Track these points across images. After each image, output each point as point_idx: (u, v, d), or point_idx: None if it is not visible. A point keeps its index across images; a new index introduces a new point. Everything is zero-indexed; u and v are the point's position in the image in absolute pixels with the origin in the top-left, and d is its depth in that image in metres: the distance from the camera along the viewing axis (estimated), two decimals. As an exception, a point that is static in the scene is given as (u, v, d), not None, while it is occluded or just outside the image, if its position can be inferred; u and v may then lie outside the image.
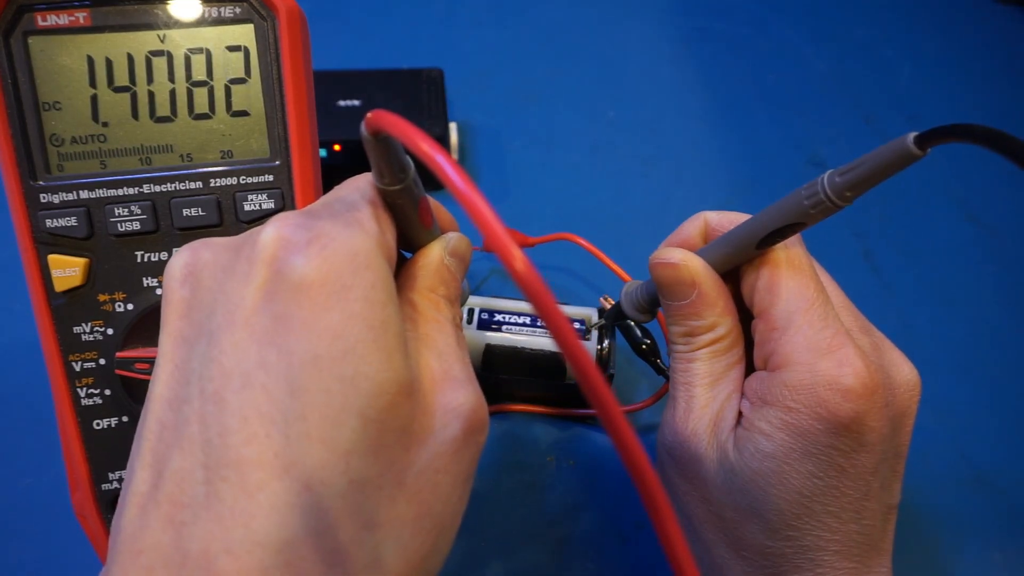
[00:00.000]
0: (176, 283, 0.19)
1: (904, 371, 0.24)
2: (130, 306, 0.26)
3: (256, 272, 0.18)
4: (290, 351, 0.17)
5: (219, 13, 0.25)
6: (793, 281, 0.24)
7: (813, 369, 0.23)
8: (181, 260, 0.20)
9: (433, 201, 0.24)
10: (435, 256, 0.23)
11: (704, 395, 0.26)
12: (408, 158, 0.20)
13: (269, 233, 0.18)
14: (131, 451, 0.19)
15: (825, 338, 0.23)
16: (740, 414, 0.25)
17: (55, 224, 0.25)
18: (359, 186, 0.21)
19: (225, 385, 0.17)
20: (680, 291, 0.26)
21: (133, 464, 0.18)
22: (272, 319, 0.17)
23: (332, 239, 0.18)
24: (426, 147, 0.16)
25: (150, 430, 0.18)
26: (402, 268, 0.23)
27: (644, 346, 0.36)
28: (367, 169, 0.21)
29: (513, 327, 0.37)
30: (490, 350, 0.36)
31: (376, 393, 0.17)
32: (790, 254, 0.25)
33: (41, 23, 0.24)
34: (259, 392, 0.17)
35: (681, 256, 0.26)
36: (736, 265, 0.26)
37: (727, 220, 0.27)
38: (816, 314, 0.24)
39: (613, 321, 0.36)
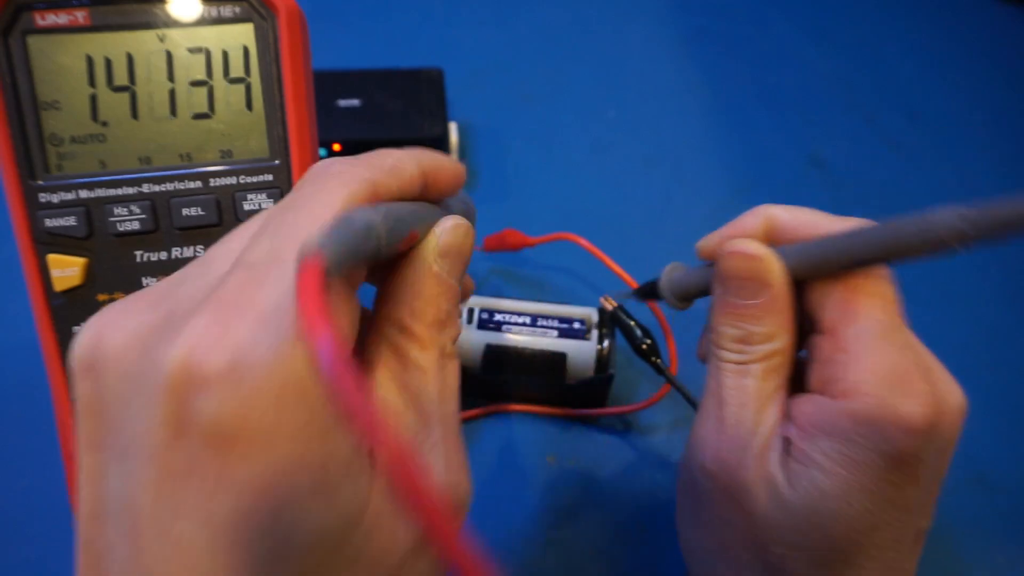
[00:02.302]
0: (79, 370, 0.16)
1: (956, 396, 0.22)
2: (129, 306, 0.26)
3: (159, 404, 0.14)
4: (209, 508, 0.14)
5: (219, 13, 0.25)
6: (873, 300, 0.22)
7: (884, 403, 0.21)
8: (84, 340, 0.16)
9: (425, 159, 0.20)
10: (423, 268, 0.19)
11: (752, 419, 0.23)
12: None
13: (173, 357, 0.14)
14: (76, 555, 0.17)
15: (900, 370, 0.21)
16: (787, 441, 0.23)
17: (54, 224, 0.25)
18: (303, 255, 0.15)
19: (141, 529, 0.15)
20: (751, 289, 0.23)
21: None
22: (186, 461, 0.14)
23: (251, 369, 0.14)
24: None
25: (83, 547, 0.16)
26: (384, 285, 0.20)
27: (644, 346, 0.36)
28: None
29: (513, 327, 0.37)
30: (490, 350, 0.36)
31: (316, 543, 0.15)
32: (872, 271, 0.23)
33: (40, 22, 0.24)
34: (175, 547, 0.14)
35: (765, 251, 0.23)
36: (814, 279, 0.24)
37: (799, 220, 0.24)
38: (893, 342, 0.22)
39: (644, 298, 0.33)
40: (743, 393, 0.24)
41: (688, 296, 0.29)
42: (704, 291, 0.27)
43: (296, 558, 0.15)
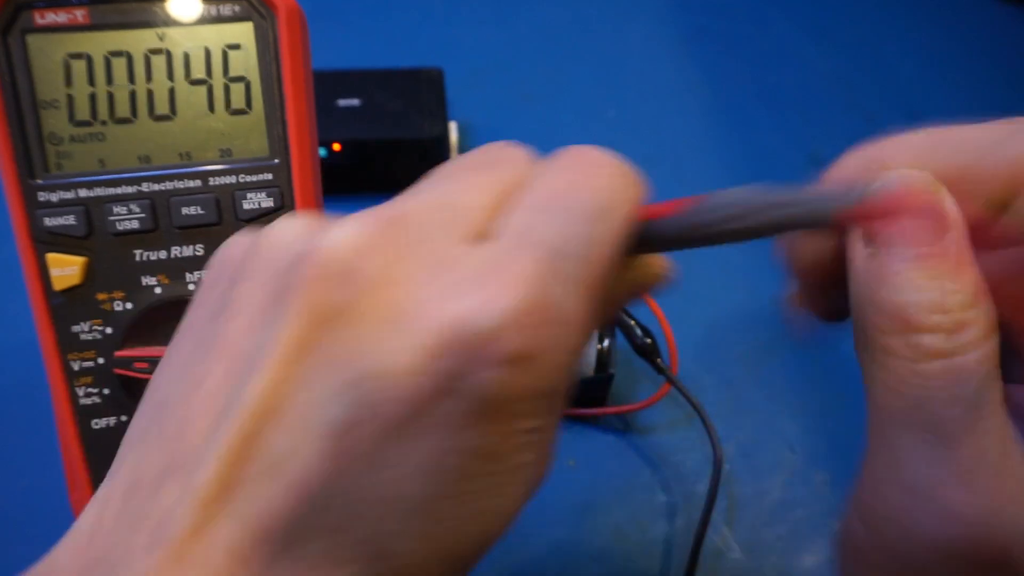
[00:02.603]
0: (330, 271, 0.14)
1: None
2: (129, 305, 0.26)
3: (434, 355, 0.14)
4: (438, 461, 0.14)
5: (218, 12, 0.25)
6: None
7: None
8: (345, 244, 0.15)
9: None
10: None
11: (994, 457, 0.15)
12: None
13: (477, 318, 0.14)
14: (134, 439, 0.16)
15: None
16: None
17: (54, 223, 0.25)
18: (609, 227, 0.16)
19: (348, 458, 0.14)
20: (933, 225, 0.16)
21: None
22: (437, 415, 0.14)
23: (548, 365, 0.14)
24: None
25: (238, 438, 0.14)
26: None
27: (644, 346, 0.36)
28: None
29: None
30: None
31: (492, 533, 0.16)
32: None
33: (39, 21, 0.24)
34: (387, 488, 0.14)
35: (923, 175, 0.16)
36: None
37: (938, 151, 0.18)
38: None
39: None
40: (967, 412, 0.15)
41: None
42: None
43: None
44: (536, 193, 0.16)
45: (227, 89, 0.26)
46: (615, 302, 0.18)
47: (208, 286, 0.17)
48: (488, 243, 0.15)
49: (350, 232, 0.15)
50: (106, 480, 0.16)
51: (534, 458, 0.16)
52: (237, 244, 0.17)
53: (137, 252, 0.26)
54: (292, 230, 0.16)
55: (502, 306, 0.14)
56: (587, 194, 0.16)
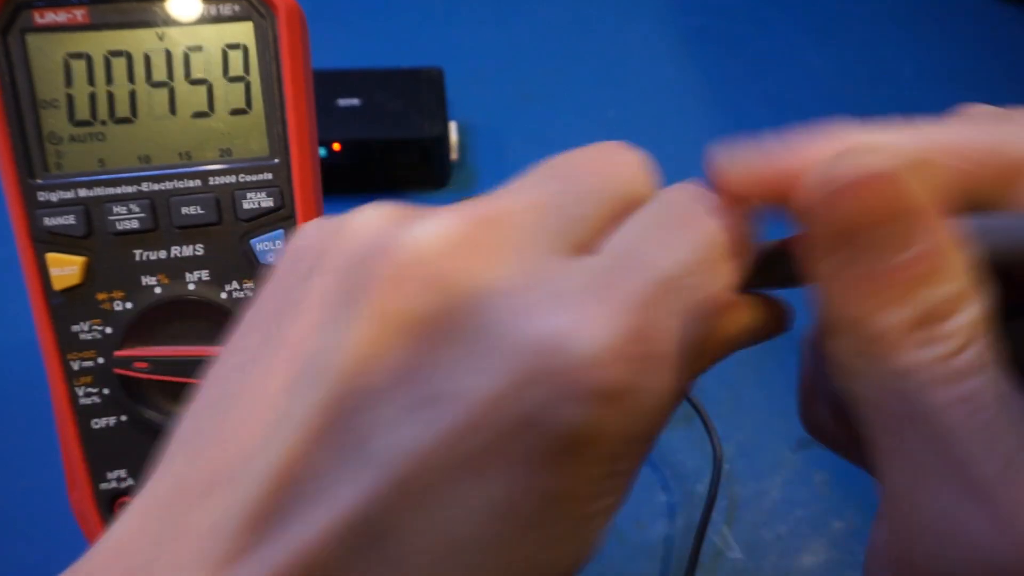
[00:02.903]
0: (426, 273, 0.13)
1: None
2: (129, 305, 0.26)
3: (518, 385, 0.12)
4: (493, 495, 0.13)
5: (218, 11, 0.25)
6: None
7: None
8: (437, 240, 0.13)
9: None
10: None
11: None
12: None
13: (596, 326, 0.12)
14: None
15: None
16: None
17: (53, 222, 0.25)
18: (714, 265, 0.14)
19: (421, 491, 0.13)
20: (900, 235, 0.13)
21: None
22: (513, 446, 0.12)
23: (644, 409, 0.13)
24: None
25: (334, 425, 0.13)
26: None
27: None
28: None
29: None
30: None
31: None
32: None
33: (39, 20, 0.24)
34: (448, 528, 0.13)
35: (895, 164, 0.13)
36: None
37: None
38: None
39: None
40: (982, 423, 0.12)
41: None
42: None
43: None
44: (655, 211, 0.14)
45: (227, 89, 0.26)
46: (719, 346, 0.15)
47: (281, 274, 0.16)
48: (593, 257, 0.13)
49: (436, 229, 0.13)
50: (153, 479, 0.15)
51: (613, 503, 0.14)
52: (319, 229, 0.15)
53: (137, 252, 0.26)
54: (374, 219, 0.14)
55: (602, 331, 0.12)
56: (714, 222, 0.14)
